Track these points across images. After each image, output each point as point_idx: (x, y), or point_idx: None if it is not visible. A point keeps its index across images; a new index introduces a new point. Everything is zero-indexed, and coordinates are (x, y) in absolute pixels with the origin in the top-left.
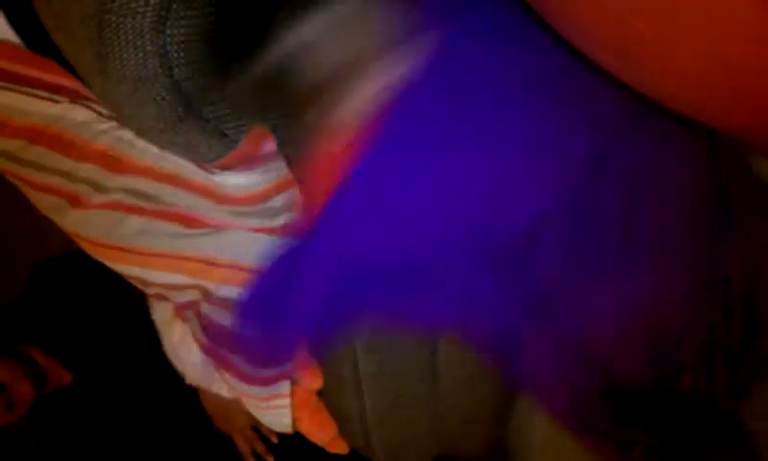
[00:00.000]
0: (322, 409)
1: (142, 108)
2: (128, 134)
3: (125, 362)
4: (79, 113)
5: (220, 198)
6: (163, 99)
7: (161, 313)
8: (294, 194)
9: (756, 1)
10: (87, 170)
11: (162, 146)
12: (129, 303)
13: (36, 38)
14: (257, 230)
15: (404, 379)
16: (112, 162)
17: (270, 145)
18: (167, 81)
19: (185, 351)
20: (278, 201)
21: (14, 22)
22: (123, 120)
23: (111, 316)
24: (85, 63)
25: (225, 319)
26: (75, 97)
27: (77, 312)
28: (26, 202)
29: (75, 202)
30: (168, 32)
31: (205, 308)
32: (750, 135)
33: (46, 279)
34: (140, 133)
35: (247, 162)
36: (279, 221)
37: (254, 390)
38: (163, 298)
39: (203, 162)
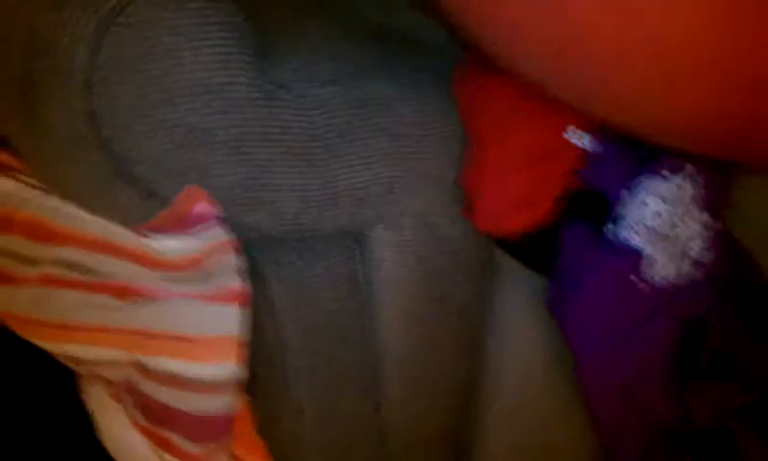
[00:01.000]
0: None
1: (72, 168)
2: (55, 202)
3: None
4: (2, 185)
5: (153, 263)
6: (93, 159)
7: (95, 395)
8: (228, 258)
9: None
10: (12, 242)
11: (93, 210)
12: (58, 387)
13: None
14: (193, 297)
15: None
16: (39, 232)
17: (202, 206)
18: (96, 140)
19: (121, 433)
20: (213, 264)
21: None
22: (52, 185)
23: (41, 400)
24: (13, 126)
25: (162, 395)
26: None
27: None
28: None
29: (2, 279)
30: (96, 91)
31: (143, 385)
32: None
33: None
34: (70, 196)
35: (179, 225)
36: (213, 286)
37: None
38: (97, 377)
39: (134, 225)
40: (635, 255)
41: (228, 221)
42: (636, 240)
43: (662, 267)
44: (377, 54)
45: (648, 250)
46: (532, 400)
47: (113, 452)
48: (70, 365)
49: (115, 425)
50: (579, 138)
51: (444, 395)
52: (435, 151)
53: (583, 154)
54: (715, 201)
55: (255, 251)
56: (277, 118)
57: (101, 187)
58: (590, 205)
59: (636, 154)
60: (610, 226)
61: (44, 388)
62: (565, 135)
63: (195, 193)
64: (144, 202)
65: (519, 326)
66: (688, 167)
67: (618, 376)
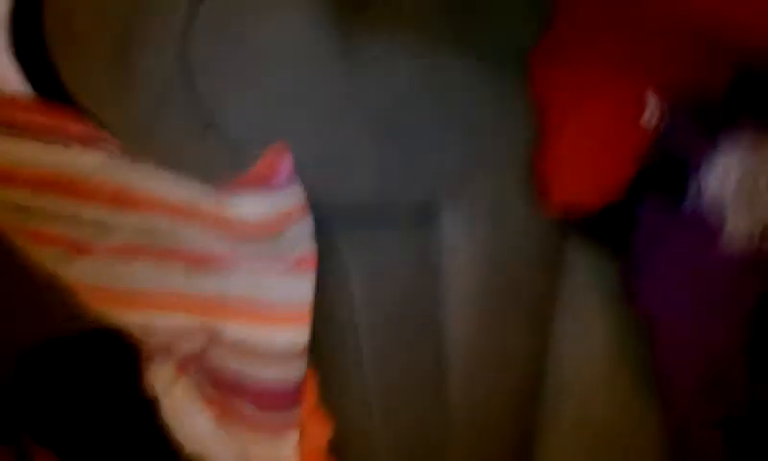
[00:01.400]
0: None
1: (163, 120)
2: (140, 169)
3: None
4: (89, 157)
5: (233, 228)
6: (185, 107)
7: (162, 374)
8: (304, 224)
9: None
10: (94, 211)
11: (179, 167)
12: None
13: (47, 86)
14: (268, 264)
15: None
16: (122, 200)
17: (285, 166)
18: (189, 93)
19: (187, 413)
20: (289, 231)
21: (27, 70)
22: (140, 144)
23: (103, 404)
24: (103, 91)
25: (234, 363)
26: (86, 141)
27: (69, 401)
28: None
29: (79, 249)
30: (193, 39)
31: (215, 354)
32: None
33: (34, 367)
34: (158, 154)
35: (261, 183)
36: (288, 253)
37: (262, 439)
38: (166, 351)
39: (218, 182)
40: (715, 226)
41: (306, 187)
42: (716, 209)
43: (743, 236)
44: (462, 26)
45: (730, 220)
46: (595, 385)
47: (178, 434)
48: (140, 337)
49: (182, 405)
50: (655, 107)
51: (511, 378)
52: (509, 131)
53: (660, 124)
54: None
55: (330, 221)
56: (363, 88)
57: (190, 139)
58: (668, 174)
59: (713, 119)
60: (689, 195)
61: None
62: (642, 118)
63: (279, 153)
64: (230, 157)
65: (586, 312)
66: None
67: (697, 350)
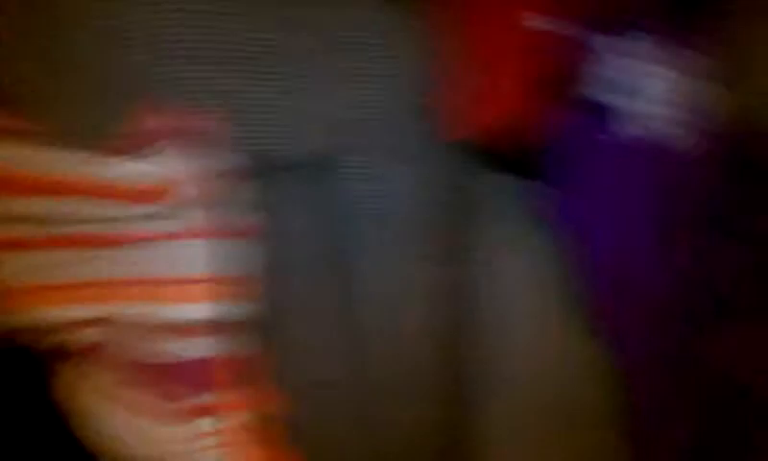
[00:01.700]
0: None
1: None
2: (25, 151)
3: None
4: None
5: (123, 195)
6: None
7: (68, 374)
8: (205, 187)
9: None
10: None
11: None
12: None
13: None
14: (163, 237)
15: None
16: (7, 185)
17: (164, 121)
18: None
19: (97, 411)
20: (184, 198)
21: None
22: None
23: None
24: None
25: (148, 347)
26: None
27: None
28: None
29: None
30: None
31: (127, 342)
32: None
33: None
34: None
35: (147, 147)
36: (183, 222)
37: (177, 432)
38: (68, 348)
39: (105, 148)
40: (602, 112)
41: (240, 143)
42: (602, 97)
43: (631, 122)
44: None
45: (615, 104)
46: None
47: (90, 434)
48: (48, 341)
49: (91, 402)
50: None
51: (428, 315)
52: (400, 74)
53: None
54: (686, 62)
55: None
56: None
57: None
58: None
59: (597, 21)
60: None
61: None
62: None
63: (154, 107)
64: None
65: (507, 248)
66: (649, 24)
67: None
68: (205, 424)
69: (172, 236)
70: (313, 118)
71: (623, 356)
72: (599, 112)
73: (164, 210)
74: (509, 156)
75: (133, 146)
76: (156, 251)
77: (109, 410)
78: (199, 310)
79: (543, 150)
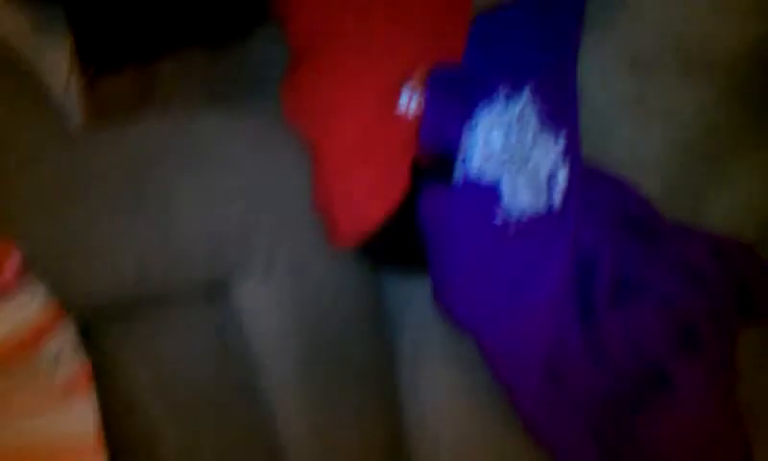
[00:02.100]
0: None
1: None
2: None
3: None
4: None
5: None
6: None
7: None
8: (68, 334)
9: None
10: None
11: None
12: None
13: None
14: (37, 395)
15: None
16: None
17: (14, 263)
18: None
19: None
20: (51, 347)
21: None
22: None
23: None
24: None
25: None
26: None
27: None
28: None
29: None
30: None
31: None
32: None
33: None
34: None
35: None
36: (60, 374)
37: None
38: None
39: None
40: (491, 190)
41: (57, 288)
42: (488, 174)
43: (522, 196)
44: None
45: (504, 180)
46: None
47: None
48: None
49: None
50: (408, 102)
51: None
52: (281, 181)
53: (419, 116)
54: (567, 123)
55: (104, 325)
56: (86, 164)
57: None
58: (438, 167)
59: (469, 90)
60: (459, 168)
61: None
62: (397, 107)
63: (4, 241)
64: None
65: (426, 354)
66: (528, 87)
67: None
68: None
69: (44, 394)
70: (188, 241)
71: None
72: (476, 190)
73: (30, 365)
74: (397, 241)
75: None
76: (31, 415)
77: None
78: None
79: (422, 235)
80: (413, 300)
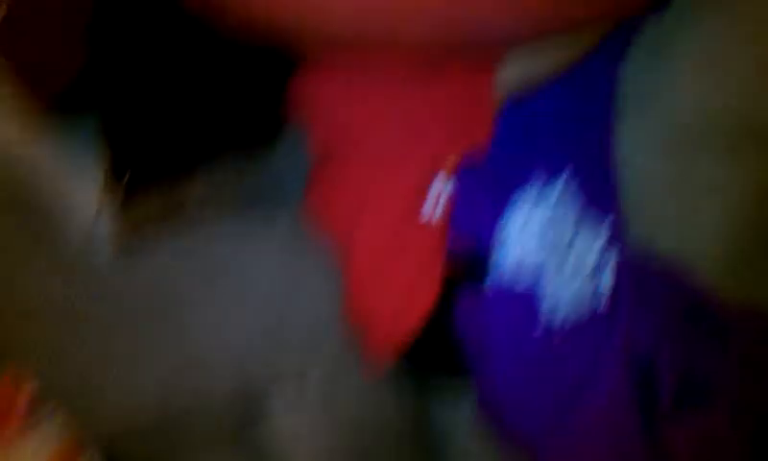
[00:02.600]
0: None
1: None
2: None
3: None
4: None
5: None
6: None
7: None
8: None
9: None
10: None
11: None
12: None
13: None
14: None
15: None
16: None
17: (29, 391)
18: None
19: None
20: None
21: None
22: None
23: None
24: None
25: None
26: None
27: None
28: None
29: None
30: None
31: None
32: None
33: None
34: None
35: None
36: None
37: None
38: None
39: None
40: (527, 298)
41: (75, 416)
42: (523, 278)
43: (564, 299)
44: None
45: (542, 284)
46: None
47: None
48: None
49: None
50: (433, 208)
51: None
52: (311, 290)
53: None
54: (610, 210)
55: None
56: (108, 287)
57: None
58: (470, 269)
59: (500, 183)
60: (492, 271)
61: None
62: (423, 209)
63: (18, 376)
64: None
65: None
66: (564, 174)
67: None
68: None
69: None
70: (213, 363)
71: None
72: (512, 298)
73: None
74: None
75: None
76: None
77: None
78: None
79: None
80: (460, 423)
